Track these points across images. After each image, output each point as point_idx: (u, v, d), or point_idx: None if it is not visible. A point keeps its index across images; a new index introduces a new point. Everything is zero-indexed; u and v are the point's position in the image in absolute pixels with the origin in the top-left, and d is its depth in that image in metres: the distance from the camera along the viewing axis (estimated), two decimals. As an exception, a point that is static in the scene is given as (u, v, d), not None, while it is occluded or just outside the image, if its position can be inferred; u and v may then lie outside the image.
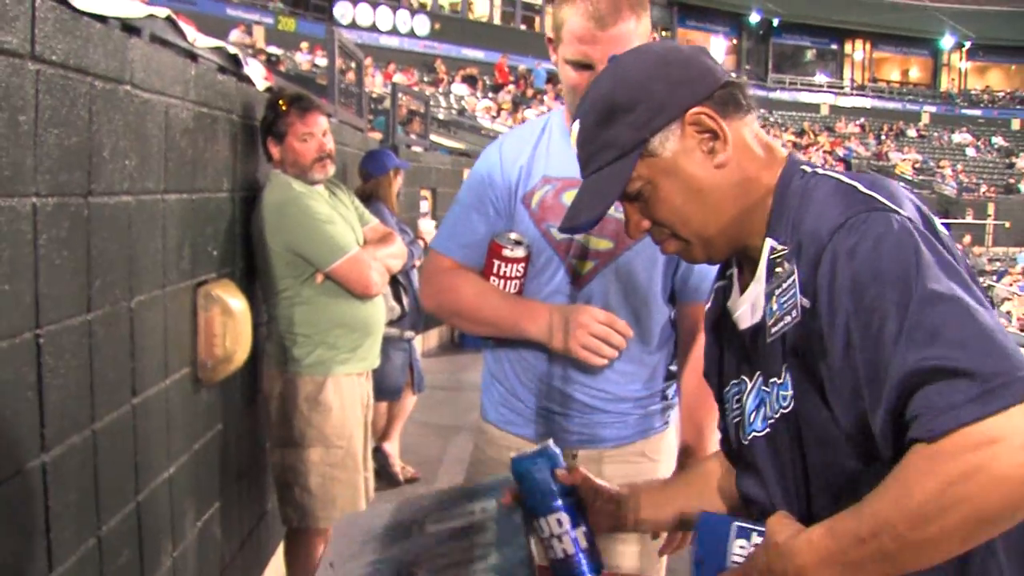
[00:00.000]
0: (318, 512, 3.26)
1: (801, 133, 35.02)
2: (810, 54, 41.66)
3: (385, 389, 4.91)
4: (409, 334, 5.18)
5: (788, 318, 1.23)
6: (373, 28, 29.25)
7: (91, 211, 1.94)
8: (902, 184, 1.35)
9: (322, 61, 20.35)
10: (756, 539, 1.27)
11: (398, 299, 4.77)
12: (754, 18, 39.10)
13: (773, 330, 1.27)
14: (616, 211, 2.10)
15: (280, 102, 3.23)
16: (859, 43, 40.81)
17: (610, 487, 1.60)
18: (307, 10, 28.57)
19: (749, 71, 40.06)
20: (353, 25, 28.16)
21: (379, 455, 5.23)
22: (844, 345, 1.14)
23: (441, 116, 19.88)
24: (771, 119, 36.45)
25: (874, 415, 1.11)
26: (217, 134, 2.83)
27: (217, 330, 2.71)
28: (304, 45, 22.99)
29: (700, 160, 1.30)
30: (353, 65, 7.15)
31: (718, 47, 40.44)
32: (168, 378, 2.43)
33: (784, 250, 1.25)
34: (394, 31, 29.93)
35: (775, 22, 39.21)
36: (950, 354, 1.03)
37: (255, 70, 3.79)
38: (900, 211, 1.17)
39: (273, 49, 20.69)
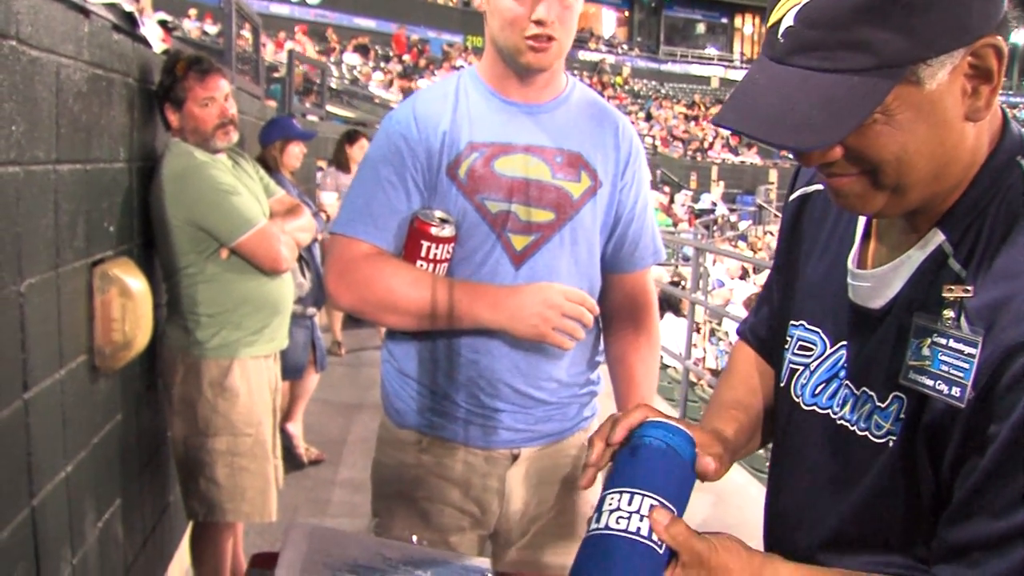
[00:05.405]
0: (226, 505, 3.06)
1: (692, 105, 35.43)
2: (701, 27, 42.09)
3: (287, 368, 4.69)
4: (311, 311, 4.99)
5: (945, 389, 0.97)
6: (264, -5, 28.73)
7: (-26, 183, 1.70)
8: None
9: (212, 28, 19.82)
10: None
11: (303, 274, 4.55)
12: (646, -10, 39.37)
13: (921, 381, 1.01)
14: (555, 178, 1.96)
15: (178, 65, 2.99)
16: (748, 17, 41.30)
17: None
18: (195, -25, 27.88)
19: (641, 43, 40.35)
20: (242, -9, 27.52)
21: (283, 436, 5.01)
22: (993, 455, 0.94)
23: (334, 85, 19.48)
24: (663, 91, 36.85)
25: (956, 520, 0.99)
26: (113, 99, 2.57)
27: (115, 313, 2.46)
28: (193, 12, 22.34)
29: (956, 103, 0.96)
30: (248, 30, 6.82)
31: (609, 19, 40.66)
32: (63, 368, 2.18)
33: (967, 295, 0.97)
34: (285, -1, 29.46)
35: (666, -6, 39.59)
36: None
37: (151, 31, 3.52)
38: None
39: (162, 15, 20.07)
